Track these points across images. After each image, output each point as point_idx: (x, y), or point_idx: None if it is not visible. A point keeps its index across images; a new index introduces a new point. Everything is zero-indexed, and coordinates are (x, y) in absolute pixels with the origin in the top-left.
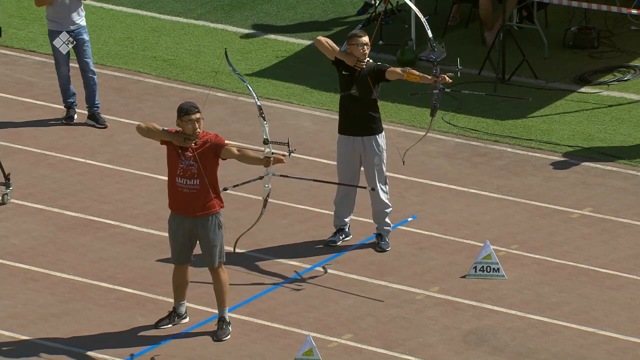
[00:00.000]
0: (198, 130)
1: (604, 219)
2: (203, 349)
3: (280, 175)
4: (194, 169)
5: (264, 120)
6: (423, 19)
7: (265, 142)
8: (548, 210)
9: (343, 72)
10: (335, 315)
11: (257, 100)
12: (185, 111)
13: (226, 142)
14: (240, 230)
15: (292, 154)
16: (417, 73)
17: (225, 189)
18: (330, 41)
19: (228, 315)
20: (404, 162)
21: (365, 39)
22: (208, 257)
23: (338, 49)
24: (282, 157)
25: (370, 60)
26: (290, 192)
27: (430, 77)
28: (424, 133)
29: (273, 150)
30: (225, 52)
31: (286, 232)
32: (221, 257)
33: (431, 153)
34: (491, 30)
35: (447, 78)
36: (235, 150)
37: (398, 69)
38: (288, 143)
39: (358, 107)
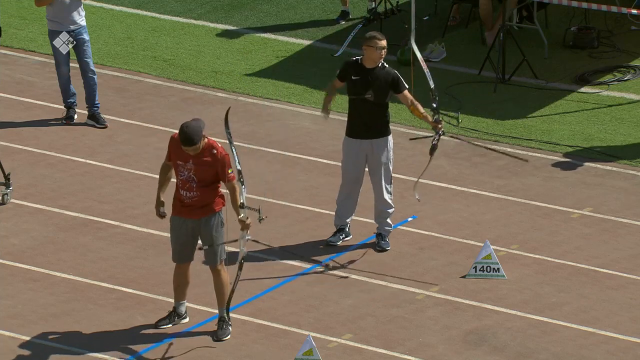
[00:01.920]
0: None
1: (604, 219)
2: (203, 349)
3: (253, 241)
4: (193, 183)
5: (242, 184)
6: (425, 68)
7: (242, 206)
8: (548, 210)
9: (353, 77)
10: (335, 315)
11: (238, 164)
12: (182, 142)
13: (229, 171)
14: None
15: (261, 220)
16: (422, 110)
17: (200, 248)
18: (330, 87)
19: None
20: (418, 199)
21: (384, 42)
22: (210, 256)
23: (335, 84)
24: (248, 225)
25: (387, 66)
26: (290, 192)
27: (431, 121)
28: (425, 167)
29: (247, 216)
30: (227, 112)
31: (286, 232)
32: (222, 255)
33: None
34: (491, 30)
35: (442, 128)
36: (230, 186)
37: (409, 98)
38: (259, 210)
39: (372, 111)
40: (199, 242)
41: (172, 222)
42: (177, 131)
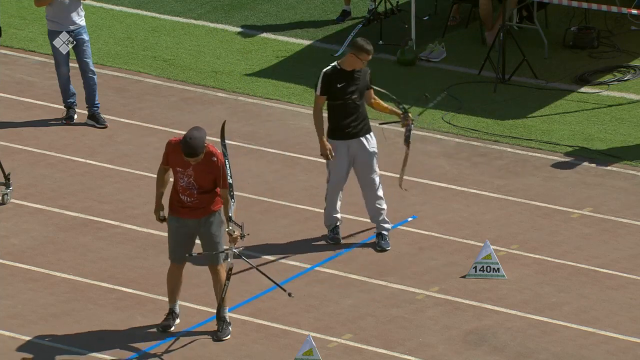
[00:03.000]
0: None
1: (604, 219)
2: (203, 349)
3: (238, 254)
4: (194, 190)
5: (232, 199)
6: (390, 94)
7: (229, 219)
8: (548, 210)
9: (338, 85)
10: (335, 315)
11: (230, 178)
12: (185, 154)
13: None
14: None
15: (243, 237)
16: (385, 105)
17: (190, 255)
18: (317, 119)
19: (228, 315)
20: (405, 189)
21: (370, 57)
22: (211, 256)
23: (320, 104)
24: (235, 238)
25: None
26: (290, 192)
27: (399, 112)
28: (404, 159)
29: (234, 229)
30: (223, 126)
31: (286, 232)
32: (223, 256)
33: (431, 153)
34: (491, 30)
35: (411, 118)
36: (224, 193)
37: (372, 94)
38: (242, 227)
39: (356, 110)
40: (194, 249)
41: (171, 222)
42: (175, 135)
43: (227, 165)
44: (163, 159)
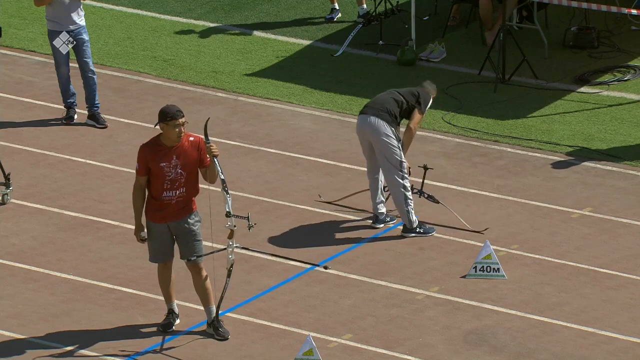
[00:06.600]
0: (182, 134)
1: (604, 219)
2: (203, 349)
3: (242, 248)
4: (182, 178)
5: (227, 193)
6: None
7: (228, 214)
8: (548, 210)
9: None
10: (335, 315)
11: (221, 174)
12: (172, 116)
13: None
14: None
15: (251, 229)
16: None
17: (193, 258)
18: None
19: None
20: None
21: None
22: (194, 253)
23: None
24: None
25: None
26: (290, 192)
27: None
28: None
29: (234, 224)
30: (206, 122)
31: (286, 232)
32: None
33: (431, 153)
34: (491, 30)
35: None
36: (204, 170)
37: None
38: (248, 217)
39: None
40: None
41: (151, 228)
42: (145, 141)
43: (217, 163)
44: (140, 169)
